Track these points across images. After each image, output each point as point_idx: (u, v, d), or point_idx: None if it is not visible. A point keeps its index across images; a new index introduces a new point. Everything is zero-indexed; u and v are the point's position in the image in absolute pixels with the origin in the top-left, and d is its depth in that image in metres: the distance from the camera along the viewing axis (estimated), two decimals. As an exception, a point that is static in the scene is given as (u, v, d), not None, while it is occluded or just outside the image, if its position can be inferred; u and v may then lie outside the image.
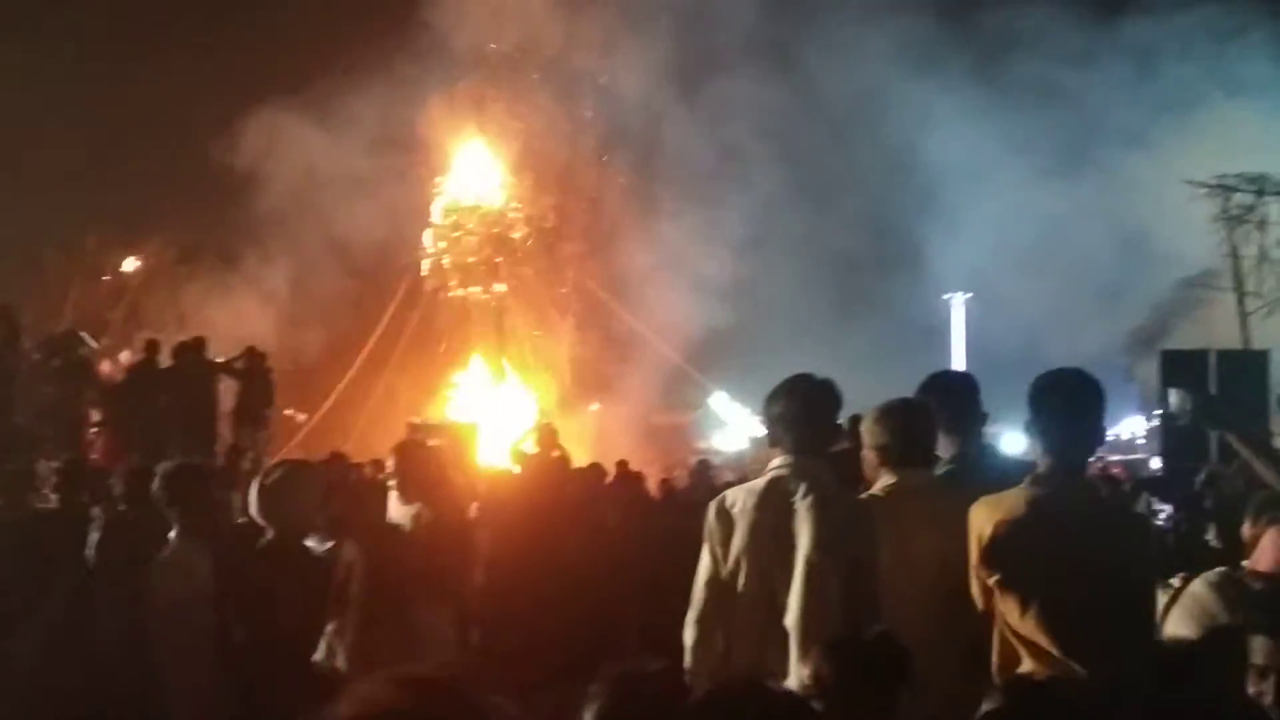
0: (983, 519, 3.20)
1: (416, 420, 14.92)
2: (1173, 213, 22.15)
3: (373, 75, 21.50)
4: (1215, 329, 20.46)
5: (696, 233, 22.86)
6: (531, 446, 9.05)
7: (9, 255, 22.62)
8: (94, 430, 12.60)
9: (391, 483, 5.75)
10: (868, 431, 3.75)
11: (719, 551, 3.50)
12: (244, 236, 22.10)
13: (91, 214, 24.72)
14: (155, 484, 4.85)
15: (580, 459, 10.63)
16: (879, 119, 25.36)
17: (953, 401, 3.96)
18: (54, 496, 6.32)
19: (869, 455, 3.75)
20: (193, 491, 4.79)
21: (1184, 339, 22.43)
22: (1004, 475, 3.48)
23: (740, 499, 3.51)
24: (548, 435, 9.11)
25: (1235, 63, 24.03)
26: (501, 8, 22.95)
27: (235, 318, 19.16)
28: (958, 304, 28.99)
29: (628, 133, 23.24)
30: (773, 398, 3.58)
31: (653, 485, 11.59)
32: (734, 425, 27.55)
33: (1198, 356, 10.20)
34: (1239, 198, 18.77)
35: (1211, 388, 9.45)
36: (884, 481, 3.71)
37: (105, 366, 14.46)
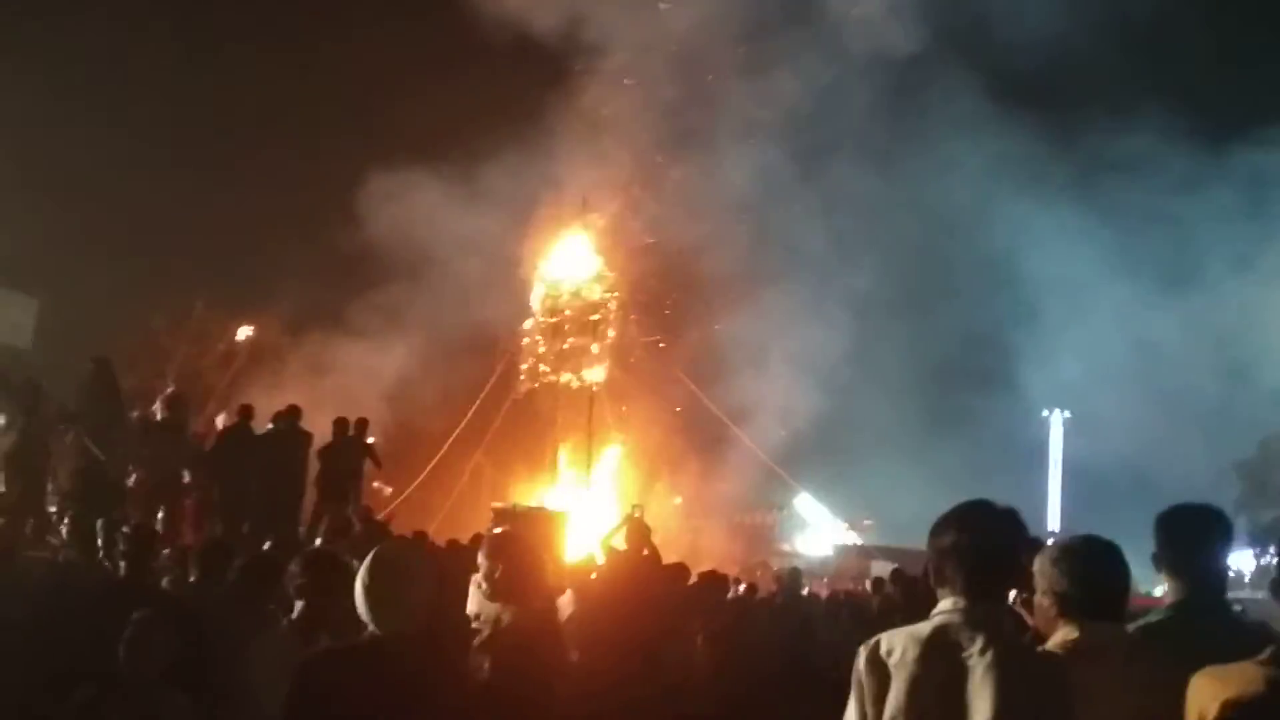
0: (1207, 694, 2.64)
1: (502, 505, 14.66)
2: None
3: (489, 159, 21.94)
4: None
5: (794, 333, 22.82)
6: (621, 542, 8.92)
7: (118, 315, 23.32)
8: (185, 493, 12.63)
9: (480, 578, 5.40)
10: (1041, 574, 3.24)
11: (871, 710, 2.99)
12: (350, 310, 22.54)
13: (201, 280, 25.62)
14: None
15: (664, 555, 10.47)
16: (983, 234, 25.27)
17: (1181, 536, 3.41)
18: (122, 565, 6.11)
19: (1041, 602, 3.24)
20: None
21: None
22: (1230, 638, 2.92)
23: (900, 647, 2.98)
24: (638, 531, 8.96)
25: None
26: (624, 104, 23.33)
27: (337, 389, 19.41)
28: (1056, 423, 28.38)
29: (731, 232, 23.36)
30: (942, 526, 3.02)
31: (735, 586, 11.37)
32: (817, 529, 27.18)
33: None
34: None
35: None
36: (1062, 636, 3.16)
37: (202, 430, 14.67)
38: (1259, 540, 27.87)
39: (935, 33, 23.83)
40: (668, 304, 24.79)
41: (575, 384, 23.25)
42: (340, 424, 13.41)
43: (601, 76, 23.07)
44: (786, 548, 26.35)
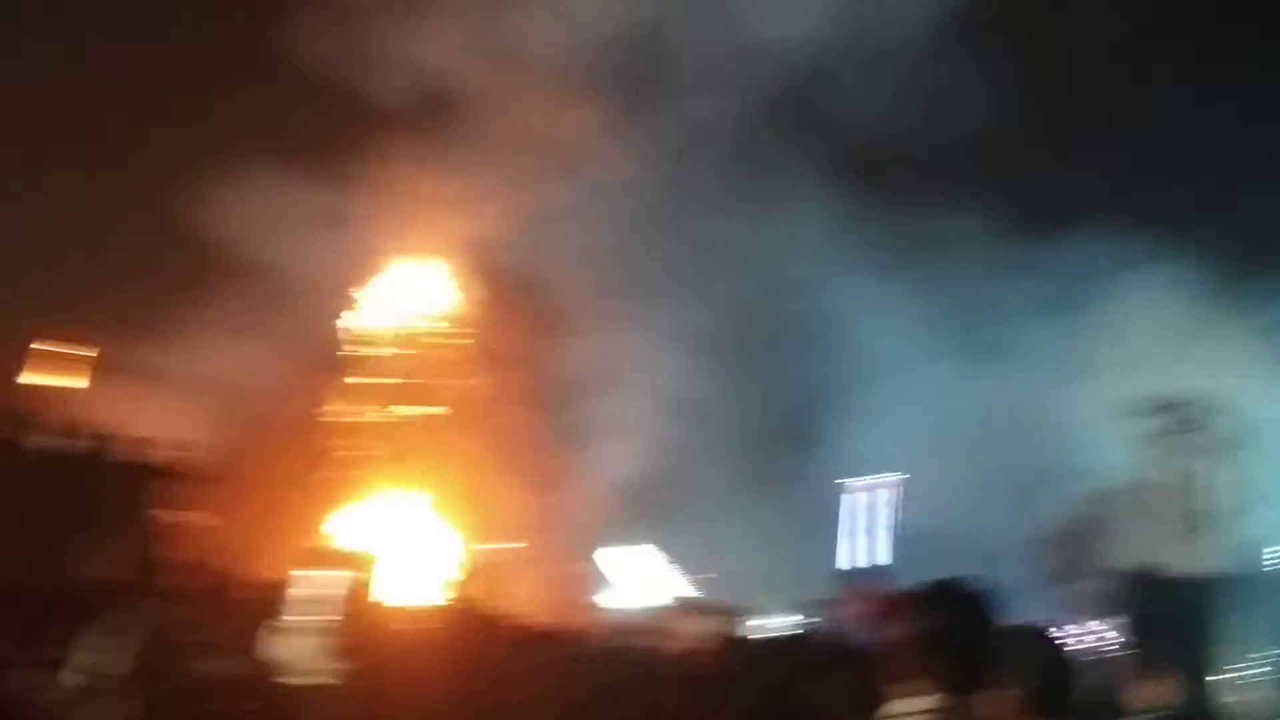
0: None
1: (316, 547, 13.74)
2: (1093, 427, 22.65)
3: (310, 173, 21.04)
4: (1131, 546, 20.58)
5: (637, 378, 22.67)
6: (463, 592, 8.31)
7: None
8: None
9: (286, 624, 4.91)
10: (1000, 664, 2.77)
11: None
12: (160, 324, 21.09)
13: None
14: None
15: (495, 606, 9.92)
16: (820, 299, 25.89)
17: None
18: None
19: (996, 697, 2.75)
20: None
21: (1093, 551, 22.65)
22: None
23: None
24: (481, 582, 8.36)
25: (1155, 285, 25.08)
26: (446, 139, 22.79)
27: (139, 415, 17.98)
28: (874, 486, 29.01)
29: (577, 276, 23.11)
30: (907, 608, 2.67)
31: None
32: (646, 581, 26.78)
33: (1158, 580, 10.15)
34: (1167, 418, 19.03)
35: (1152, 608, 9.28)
36: None
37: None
38: (1064, 611, 29.05)
39: (780, 104, 24.61)
40: (507, 341, 24.09)
41: (402, 419, 22.34)
42: (97, 439, 12.18)
43: (465, 107, 22.60)
44: (612, 600, 25.85)
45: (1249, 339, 24.74)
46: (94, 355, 21.63)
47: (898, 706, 2.50)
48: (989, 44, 25.39)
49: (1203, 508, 17.72)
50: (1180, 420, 18.53)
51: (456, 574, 8.24)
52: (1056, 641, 2.92)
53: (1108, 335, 24.49)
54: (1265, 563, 27.86)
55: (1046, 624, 2.95)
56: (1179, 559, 16.31)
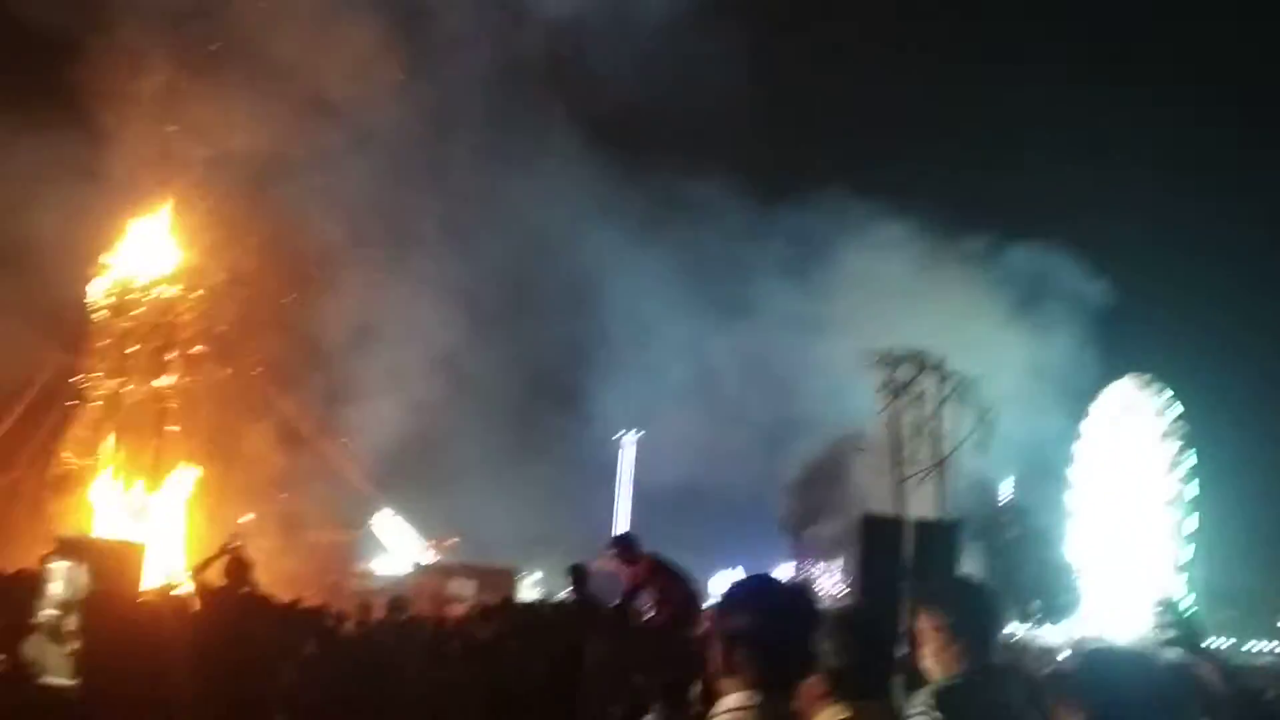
0: None
1: (69, 535, 12.59)
2: (836, 377, 23.76)
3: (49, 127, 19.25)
4: (863, 490, 21.90)
5: (389, 342, 22.11)
6: (218, 577, 7.78)
7: None
8: None
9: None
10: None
11: None
12: None
13: None
14: None
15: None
16: (570, 257, 26.06)
17: (974, 607, 3.31)
18: None
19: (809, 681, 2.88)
20: None
21: (832, 496, 23.96)
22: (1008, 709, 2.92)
23: None
24: (238, 567, 7.82)
25: (886, 245, 26.60)
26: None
27: None
28: (628, 444, 29.63)
29: (336, 233, 22.23)
30: (732, 606, 2.66)
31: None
32: (397, 549, 26.29)
33: (894, 523, 10.55)
34: (901, 370, 20.05)
35: (907, 555, 9.74)
36: (832, 717, 2.93)
37: None
38: (803, 554, 30.74)
39: (541, 65, 24.53)
40: (253, 307, 22.65)
41: (143, 392, 20.79)
42: None
43: (205, 60, 21.17)
44: (364, 568, 25.26)
45: (973, 295, 26.75)
46: None
47: (727, 704, 2.57)
48: (742, 16, 26.11)
49: (935, 454, 18.96)
50: (913, 371, 19.71)
51: (214, 553, 7.68)
52: (864, 622, 3.03)
53: (845, 292, 25.87)
54: (997, 506, 30.55)
55: (855, 607, 3.03)
56: (914, 504, 17.41)
